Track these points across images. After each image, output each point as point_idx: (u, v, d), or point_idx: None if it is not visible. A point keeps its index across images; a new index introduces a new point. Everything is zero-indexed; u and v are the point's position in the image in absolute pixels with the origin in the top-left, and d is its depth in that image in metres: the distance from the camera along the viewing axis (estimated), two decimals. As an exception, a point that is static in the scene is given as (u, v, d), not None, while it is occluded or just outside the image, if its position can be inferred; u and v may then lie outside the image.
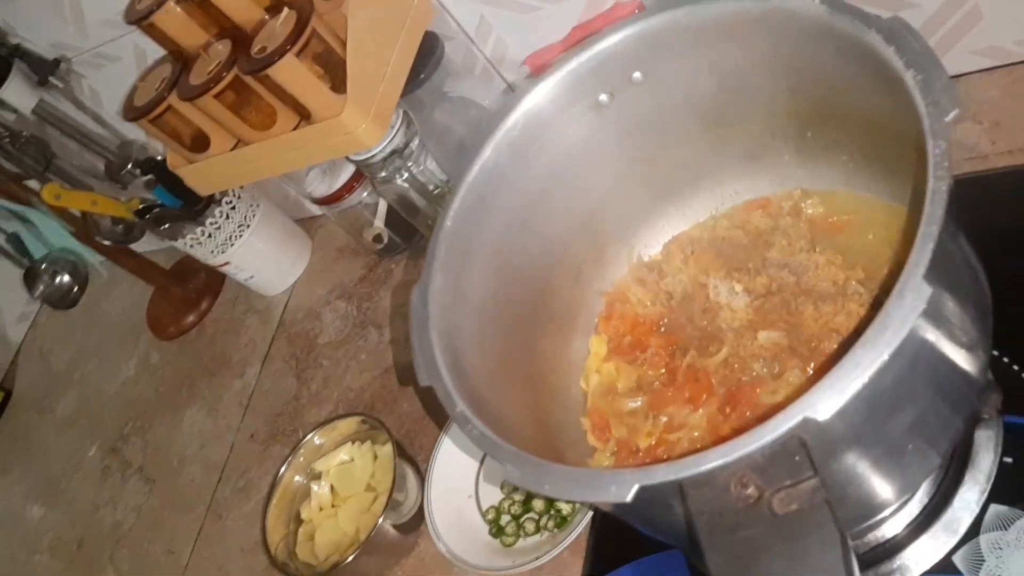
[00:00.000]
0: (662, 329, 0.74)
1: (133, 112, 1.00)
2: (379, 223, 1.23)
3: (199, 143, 1.03)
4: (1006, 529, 0.65)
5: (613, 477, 0.48)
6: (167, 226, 1.25)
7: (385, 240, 1.25)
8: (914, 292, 0.45)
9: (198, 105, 0.96)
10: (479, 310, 0.68)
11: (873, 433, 0.52)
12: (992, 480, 0.67)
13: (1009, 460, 0.68)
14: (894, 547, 0.68)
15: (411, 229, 1.23)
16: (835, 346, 0.65)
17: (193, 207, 1.24)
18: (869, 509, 0.58)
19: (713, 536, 0.47)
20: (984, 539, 0.66)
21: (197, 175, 1.05)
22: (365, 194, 1.22)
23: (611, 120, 0.70)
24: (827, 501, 0.45)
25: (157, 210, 1.24)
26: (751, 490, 0.47)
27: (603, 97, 0.69)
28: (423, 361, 0.61)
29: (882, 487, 0.56)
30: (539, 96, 0.68)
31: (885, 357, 0.44)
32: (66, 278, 1.56)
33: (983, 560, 0.65)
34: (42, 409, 1.59)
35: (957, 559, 0.66)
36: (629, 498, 0.47)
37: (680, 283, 0.73)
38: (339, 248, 1.36)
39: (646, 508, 0.53)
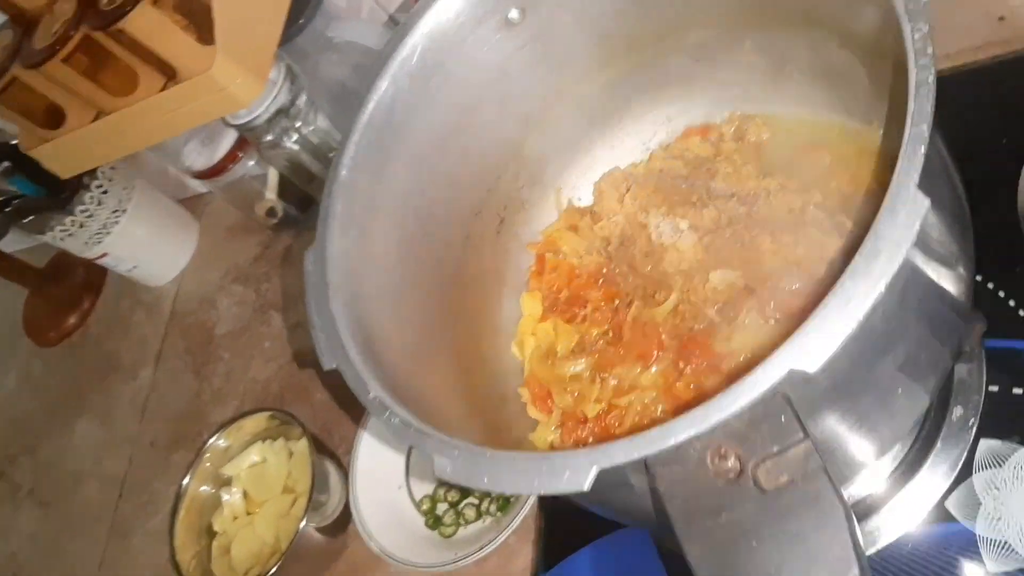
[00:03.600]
0: (601, 281, 0.64)
1: (-29, 88, 0.87)
2: (270, 195, 1.11)
3: (53, 118, 0.90)
4: (1000, 466, 0.58)
5: (565, 461, 0.39)
6: (31, 219, 1.11)
7: (280, 213, 1.13)
8: (909, 205, 0.37)
9: (46, 73, 0.83)
10: (389, 272, 0.58)
11: (863, 379, 0.45)
12: (980, 413, 0.60)
13: (995, 389, 0.61)
14: (875, 502, 0.60)
15: (307, 198, 1.12)
16: (798, 283, 0.57)
17: (59, 194, 1.10)
18: (855, 467, 0.50)
19: (691, 523, 0.38)
20: (978, 479, 0.59)
21: (55, 155, 0.92)
22: (252, 163, 1.10)
23: (523, 40, 0.61)
24: (824, 468, 0.37)
25: (18, 201, 1.10)
26: (731, 462, 0.38)
27: (513, 13, 0.59)
28: (324, 339, 0.51)
29: (872, 439, 0.49)
30: (438, 17, 0.58)
31: (881, 288, 0.36)
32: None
33: (979, 503, 0.58)
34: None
35: (950, 505, 0.59)
36: (587, 486, 0.38)
37: (617, 225, 0.64)
38: (229, 227, 1.24)
39: (607, 493, 0.43)
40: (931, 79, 0.39)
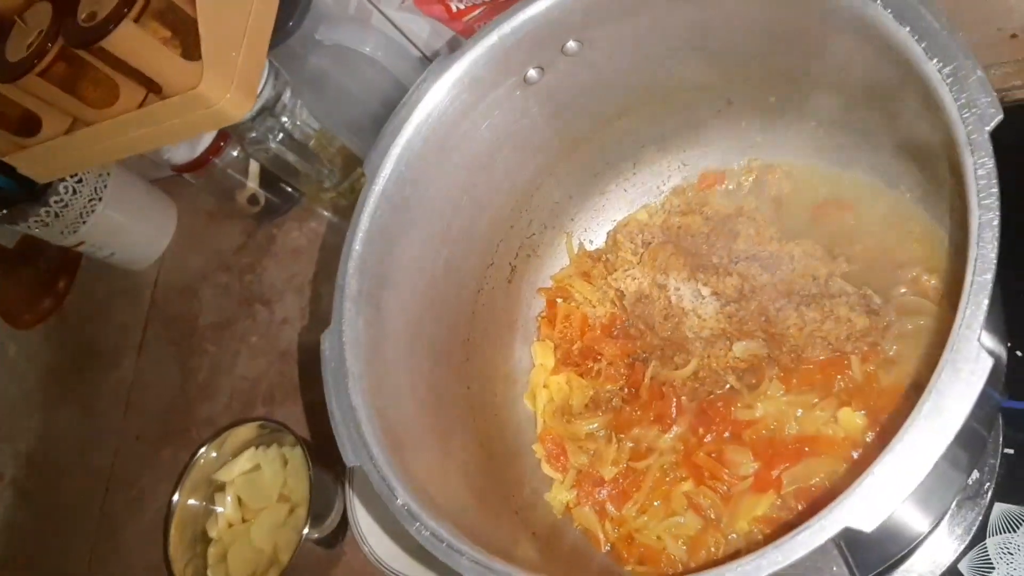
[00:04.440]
0: (616, 332, 0.63)
1: (-59, 97, 0.82)
2: (252, 184, 1.08)
3: (28, 126, 0.85)
4: (1015, 531, 0.59)
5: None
6: (5, 211, 1.07)
7: (262, 202, 1.10)
8: (972, 364, 0.36)
9: (20, 85, 0.78)
10: (406, 344, 0.57)
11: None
12: (996, 477, 0.60)
13: (1011, 452, 0.61)
14: (890, 565, 0.61)
15: (290, 186, 1.09)
16: (822, 354, 0.56)
17: (33, 186, 1.06)
18: (888, 558, 0.50)
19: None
20: (991, 543, 0.59)
21: (31, 162, 0.88)
22: (234, 153, 1.06)
23: (541, 98, 0.58)
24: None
25: (-10, 194, 1.05)
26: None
27: (531, 72, 0.57)
28: (347, 435, 0.49)
29: (909, 534, 0.48)
30: (453, 81, 0.55)
31: (942, 451, 0.35)
32: None
33: (992, 567, 0.58)
34: None
35: (964, 568, 0.59)
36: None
37: (634, 280, 0.62)
38: (209, 212, 1.20)
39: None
40: (996, 222, 0.37)
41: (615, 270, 0.64)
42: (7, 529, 1.17)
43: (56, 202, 1.08)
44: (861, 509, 0.36)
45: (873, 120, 0.53)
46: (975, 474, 0.59)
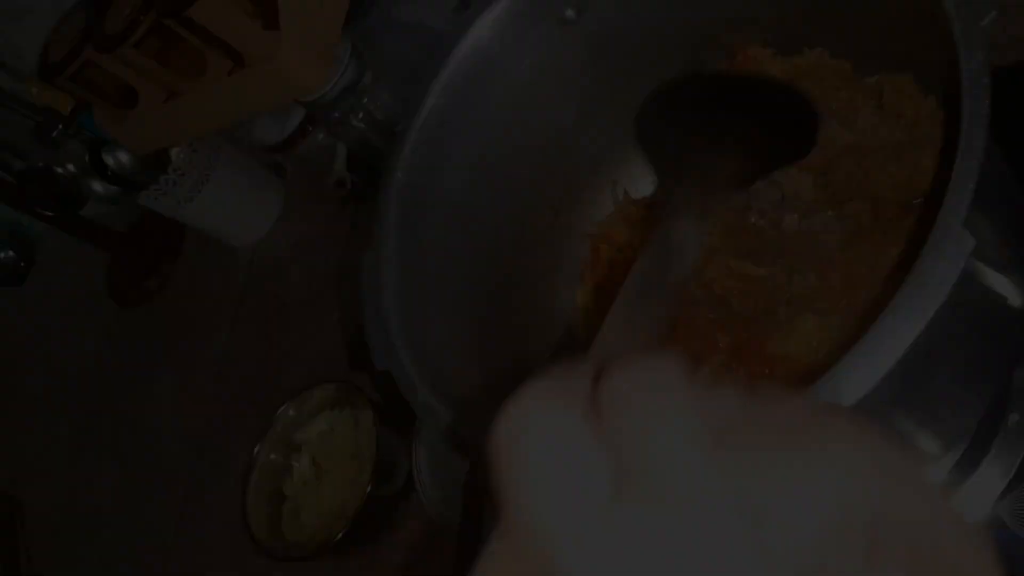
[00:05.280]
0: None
1: (48, 71, 0.90)
2: (339, 167, 1.13)
3: (127, 97, 0.92)
4: (1056, 474, 0.57)
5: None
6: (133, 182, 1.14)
7: (349, 185, 1.15)
8: (954, 244, 0.37)
9: (118, 56, 0.85)
10: (444, 269, 0.60)
11: (913, 392, 0.44)
12: (1037, 419, 0.59)
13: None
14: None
15: (377, 170, 1.14)
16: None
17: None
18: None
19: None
20: (1032, 486, 0.58)
21: (129, 133, 0.95)
22: (322, 136, 1.11)
23: (579, 39, 0.60)
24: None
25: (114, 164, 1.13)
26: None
27: (569, 12, 0.59)
28: (377, 340, 0.53)
29: (921, 450, 0.49)
30: (492, 19, 0.58)
31: (922, 326, 0.36)
32: (10, 253, 1.45)
33: (1033, 510, 0.57)
34: (6, 389, 1.50)
35: (1002, 511, 0.58)
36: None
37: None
38: (302, 195, 1.26)
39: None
40: (984, 111, 0.38)
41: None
42: (111, 492, 1.25)
43: (174, 170, 1.14)
44: (840, 385, 0.37)
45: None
46: (1015, 416, 0.58)
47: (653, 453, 0.21)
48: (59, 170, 1.17)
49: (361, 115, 1.00)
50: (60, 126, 1.12)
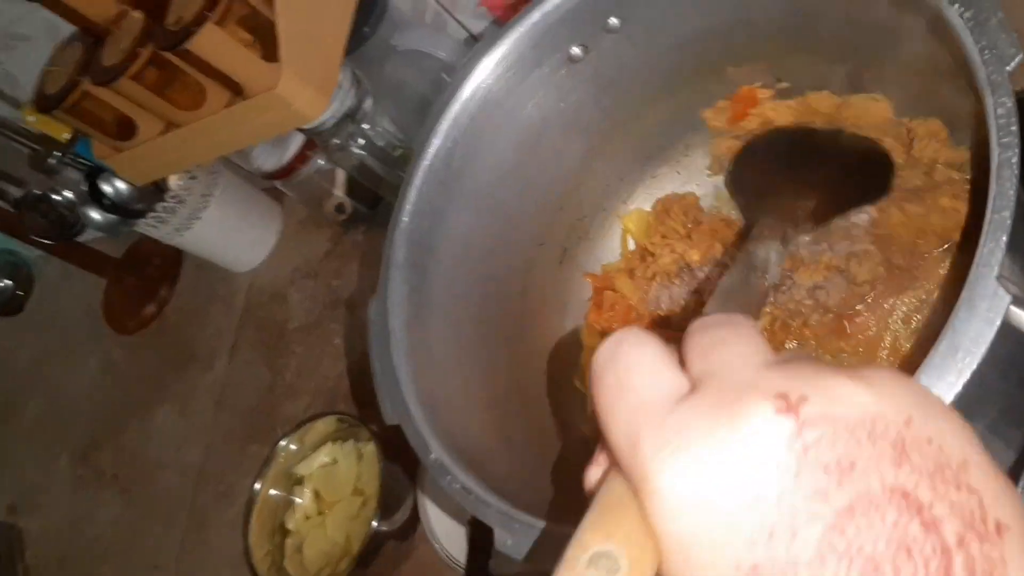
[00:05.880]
0: (659, 323, 0.63)
1: (45, 102, 0.88)
2: (339, 192, 1.12)
3: (125, 129, 0.91)
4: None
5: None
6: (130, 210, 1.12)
7: (348, 210, 1.14)
8: (989, 300, 0.35)
9: (116, 88, 0.84)
10: (451, 313, 0.58)
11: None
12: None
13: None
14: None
15: (376, 194, 1.13)
16: (935, 248, 0.55)
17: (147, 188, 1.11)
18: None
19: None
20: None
21: (128, 165, 0.93)
22: (321, 161, 1.10)
23: (586, 76, 0.59)
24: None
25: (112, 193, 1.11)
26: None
27: (575, 50, 0.58)
28: (387, 393, 0.51)
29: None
30: (497, 59, 0.57)
31: (958, 388, 0.35)
32: (7, 282, 1.43)
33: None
34: (6, 417, 1.49)
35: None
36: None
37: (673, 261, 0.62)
38: (300, 221, 1.25)
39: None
40: (1015, 160, 0.37)
41: (655, 262, 0.63)
42: (111, 524, 1.23)
43: (171, 197, 1.13)
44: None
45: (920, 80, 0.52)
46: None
47: (718, 367, 0.26)
48: (56, 197, 1.16)
49: (361, 141, 0.98)
50: (56, 154, 1.11)
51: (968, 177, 0.52)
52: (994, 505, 0.22)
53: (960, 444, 0.24)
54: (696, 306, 0.60)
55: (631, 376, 0.27)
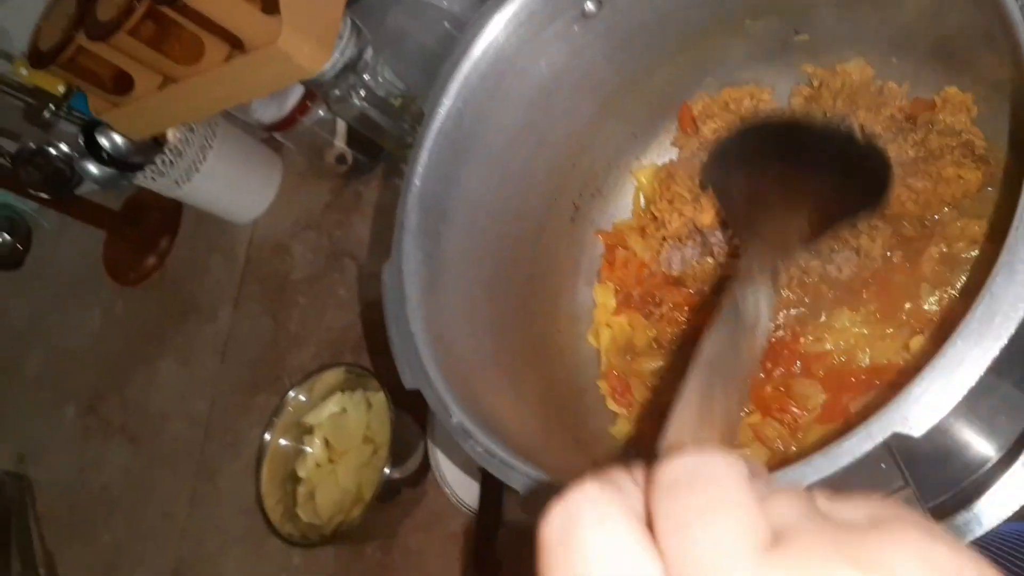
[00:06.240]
0: (672, 282, 0.63)
1: (39, 58, 0.87)
2: (339, 143, 1.11)
3: (122, 83, 0.90)
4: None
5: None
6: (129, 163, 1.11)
7: (350, 160, 1.13)
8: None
9: (112, 43, 0.82)
10: (465, 276, 0.58)
11: (971, 413, 0.44)
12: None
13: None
14: (977, 488, 0.59)
15: (377, 145, 1.12)
16: (948, 218, 0.54)
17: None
18: (952, 483, 0.50)
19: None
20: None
21: (125, 120, 0.93)
22: (321, 112, 1.09)
23: (599, 32, 0.59)
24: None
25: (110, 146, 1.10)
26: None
27: (589, 5, 0.57)
28: (405, 359, 0.51)
29: (978, 451, 0.48)
30: (509, 16, 0.56)
31: (995, 353, 0.35)
32: (6, 237, 1.42)
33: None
34: (8, 369, 1.49)
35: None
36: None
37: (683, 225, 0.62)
38: (300, 171, 1.24)
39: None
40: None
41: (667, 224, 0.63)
42: (122, 472, 1.24)
43: (170, 150, 1.12)
44: (910, 414, 0.36)
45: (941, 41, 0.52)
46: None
47: (698, 561, 0.20)
48: (52, 151, 1.14)
49: (362, 92, 0.97)
50: (52, 107, 1.10)
51: (964, 139, 0.52)
52: None
53: None
54: (710, 269, 0.60)
55: (589, 571, 0.21)
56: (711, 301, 0.60)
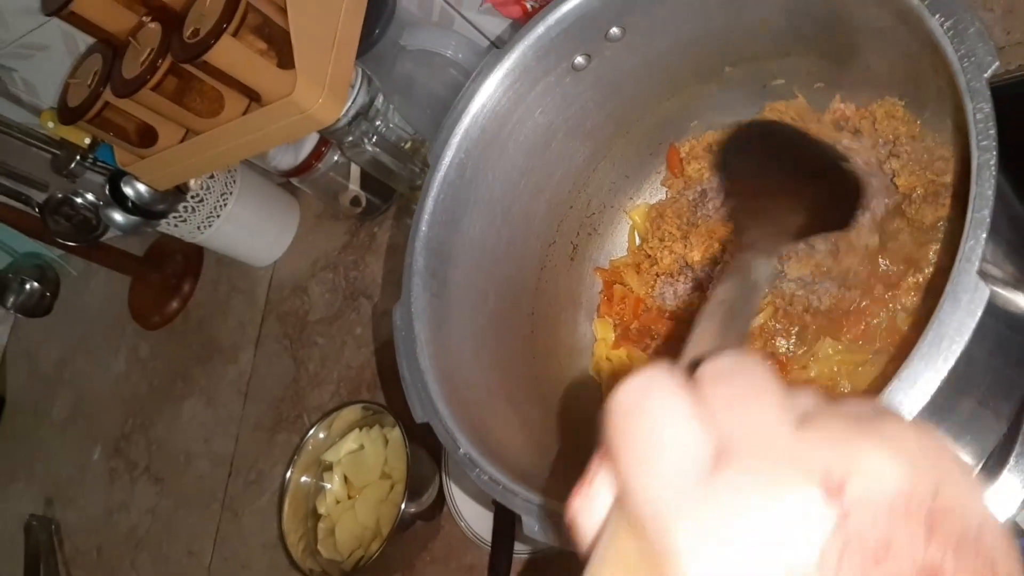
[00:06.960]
0: (667, 316, 0.66)
1: (68, 114, 0.92)
2: (354, 186, 1.15)
3: (146, 136, 0.94)
4: (1076, 482, 0.59)
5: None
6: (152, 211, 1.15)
7: (364, 203, 1.17)
8: (971, 293, 0.39)
9: (137, 99, 0.87)
10: (470, 314, 0.62)
11: (936, 421, 0.46)
12: (1057, 430, 0.61)
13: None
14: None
15: (389, 187, 1.16)
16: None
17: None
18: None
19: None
20: (1052, 495, 0.60)
21: (149, 171, 0.97)
22: (336, 157, 1.13)
23: (590, 83, 0.62)
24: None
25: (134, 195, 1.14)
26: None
27: (579, 59, 0.61)
28: (415, 394, 0.55)
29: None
30: (504, 72, 0.60)
31: (944, 373, 0.38)
32: (35, 284, 1.47)
33: (1052, 518, 0.59)
34: (38, 413, 1.53)
35: (1022, 520, 0.60)
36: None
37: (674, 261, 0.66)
38: (317, 215, 1.28)
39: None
40: (993, 162, 0.40)
41: (659, 261, 0.67)
42: (148, 512, 1.28)
43: (192, 197, 1.16)
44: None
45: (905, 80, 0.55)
46: (1031, 429, 0.60)
47: (747, 430, 0.25)
48: (79, 200, 1.19)
49: (375, 139, 1.01)
50: (78, 158, 1.14)
51: (946, 181, 0.55)
52: (1003, 564, 0.24)
53: (975, 507, 0.25)
54: (700, 302, 0.63)
55: (662, 435, 0.25)
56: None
